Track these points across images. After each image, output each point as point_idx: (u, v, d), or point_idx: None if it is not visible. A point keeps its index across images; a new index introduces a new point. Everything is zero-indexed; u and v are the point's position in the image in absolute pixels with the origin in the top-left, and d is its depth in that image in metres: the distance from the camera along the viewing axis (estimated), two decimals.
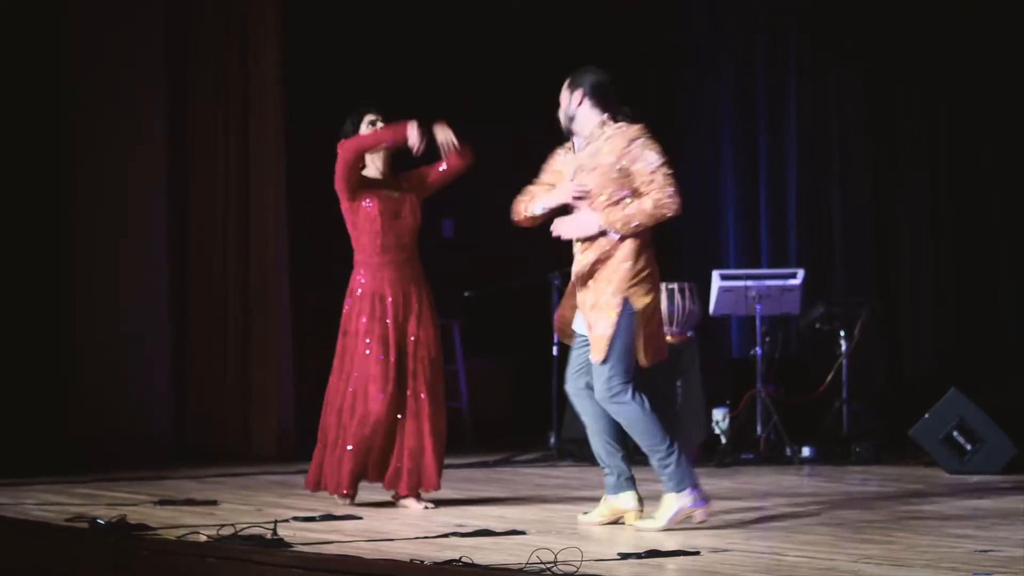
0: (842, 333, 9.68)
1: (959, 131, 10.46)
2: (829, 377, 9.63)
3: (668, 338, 9.57)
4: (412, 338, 7.02)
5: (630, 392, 6.21)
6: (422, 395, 6.98)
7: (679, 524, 6.15)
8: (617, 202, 6.23)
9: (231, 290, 10.19)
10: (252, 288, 10.09)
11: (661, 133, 11.89)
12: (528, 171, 6.62)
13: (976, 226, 10.41)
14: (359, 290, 7.04)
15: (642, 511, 6.35)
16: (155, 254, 10.20)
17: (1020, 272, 10.18)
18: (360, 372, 6.97)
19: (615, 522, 6.37)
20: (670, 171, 6.24)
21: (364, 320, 6.99)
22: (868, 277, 10.90)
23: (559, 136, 6.54)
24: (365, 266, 7.06)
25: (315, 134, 10.30)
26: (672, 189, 6.20)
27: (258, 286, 10.05)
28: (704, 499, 6.24)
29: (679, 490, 6.19)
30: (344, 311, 7.10)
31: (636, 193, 6.23)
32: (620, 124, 6.33)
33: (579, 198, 6.28)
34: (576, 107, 6.38)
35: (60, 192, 10.01)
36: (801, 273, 9.80)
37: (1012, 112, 10.16)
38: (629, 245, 6.25)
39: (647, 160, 6.22)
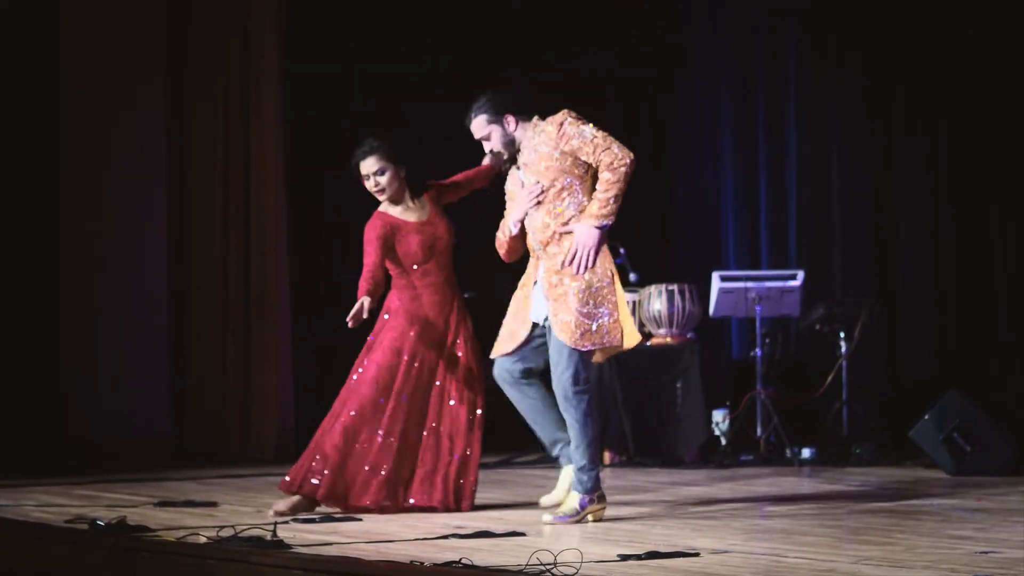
0: (842, 334, 9.67)
1: (959, 131, 10.46)
2: (829, 378, 9.62)
3: (668, 339, 9.60)
4: (455, 357, 7.03)
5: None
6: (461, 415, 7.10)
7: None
8: (561, 190, 6.40)
9: (231, 290, 10.19)
10: (252, 288, 10.09)
11: (661, 133, 12.04)
12: None
13: (976, 227, 10.41)
14: (401, 312, 6.95)
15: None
16: (155, 254, 10.21)
17: (1019, 273, 10.17)
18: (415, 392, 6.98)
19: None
20: (607, 133, 6.41)
21: (398, 339, 6.92)
22: (868, 278, 10.89)
23: None
24: (406, 290, 6.98)
25: (315, 134, 10.34)
26: (616, 144, 6.36)
27: (258, 286, 10.05)
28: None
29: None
30: (381, 330, 6.97)
31: (585, 173, 6.39)
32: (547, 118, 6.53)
33: (538, 201, 6.44)
34: (512, 131, 6.56)
35: (60, 192, 10.01)
36: (801, 275, 9.79)
37: (1012, 112, 10.16)
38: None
39: (583, 134, 6.40)
